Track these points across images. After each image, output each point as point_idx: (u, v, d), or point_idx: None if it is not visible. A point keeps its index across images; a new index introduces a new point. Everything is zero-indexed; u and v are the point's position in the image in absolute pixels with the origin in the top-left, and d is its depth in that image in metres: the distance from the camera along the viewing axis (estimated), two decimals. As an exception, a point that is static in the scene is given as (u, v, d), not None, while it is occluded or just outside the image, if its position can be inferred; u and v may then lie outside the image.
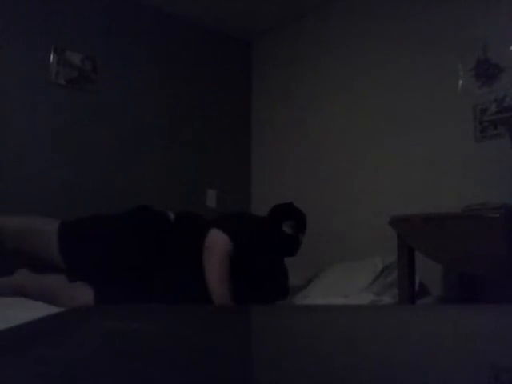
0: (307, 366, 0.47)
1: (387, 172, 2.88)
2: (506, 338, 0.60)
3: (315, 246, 3.21)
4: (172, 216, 2.20)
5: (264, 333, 0.70)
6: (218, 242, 1.98)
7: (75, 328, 0.70)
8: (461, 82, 2.58)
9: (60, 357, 0.52)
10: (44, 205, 2.77)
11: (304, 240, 2.35)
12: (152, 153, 3.28)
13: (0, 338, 0.58)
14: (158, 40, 3.41)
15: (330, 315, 0.84)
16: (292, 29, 3.63)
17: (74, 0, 3.06)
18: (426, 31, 2.75)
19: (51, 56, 2.93)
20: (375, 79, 3.01)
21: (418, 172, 2.73)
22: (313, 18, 3.46)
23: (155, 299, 1.84)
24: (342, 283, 2.45)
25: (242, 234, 2.07)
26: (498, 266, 1.82)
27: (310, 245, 3.27)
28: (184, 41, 3.55)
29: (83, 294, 1.85)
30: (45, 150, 2.86)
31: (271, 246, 2.22)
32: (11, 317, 1.24)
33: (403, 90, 2.86)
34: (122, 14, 3.25)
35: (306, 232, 2.34)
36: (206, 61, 3.65)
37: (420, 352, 0.54)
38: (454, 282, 2.52)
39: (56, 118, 2.93)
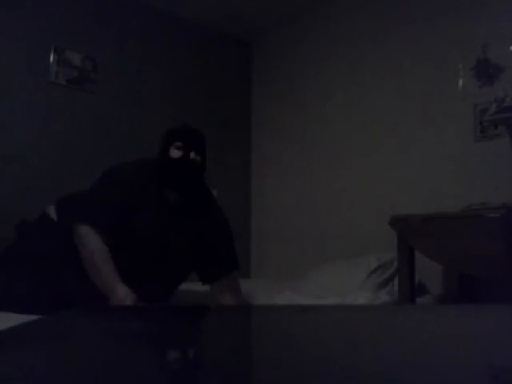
0: (307, 365, 0.47)
1: (387, 172, 2.88)
2: (506, 338, 0.60)
3: (315, 245, 3.21)
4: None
5: (264, 333, 0.69)
6: (82, 240, 1.70)
7: (74, 328, 0.70)
8: (461, 81, 2.58)
9: (60, 357, 0.52)
10: (43, 204, 2.77)
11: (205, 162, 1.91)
12: (151, 152, 3.27)
13: (2, 338, 0.58)
14: (158, 40, 3.41)
15: (330, 315, 0.84)
16: (292, 29, 3.62)
17: (74, 0, 3.06)
18: (427, 31, 2.75)
19: (51, 56, 2.92)
20: (375, 79, 3.01)
21: (418, 172, 2.73)
22: (313, 18, 3.46)
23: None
24: (336, 281, 2.46)
25: (113, 213, 1.74)
26: (498, 266, 1.82)
27: (310, 244, 3.28)
28: (184, 41, 3.55)
29: None
30: (45, 150, 2.86)
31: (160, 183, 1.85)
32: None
33: (403, 89, 2.85)
34: (122, 15, 3.25)
35: (205, 152, 1.90)
36: (206, 61, 3.65)
37: (420, 352, 0.54)
38: (453, 281, 2.52)
39: (56, 118, 2.93)
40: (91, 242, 1.70)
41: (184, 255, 1.91)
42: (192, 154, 1.87)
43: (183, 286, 2.08)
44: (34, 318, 0.91)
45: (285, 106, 3.60)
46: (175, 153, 1.87)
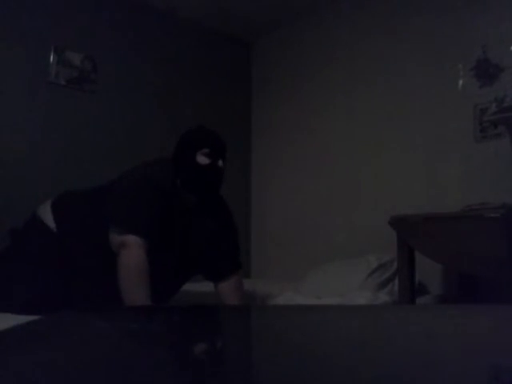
0: (307, 365, 0.47)
1: (387, 172, 2.88)
2: (506, 338, 0.60)
3: (315, 245, 3.21)
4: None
5: (264, 333, 0.69)
6: (127, 251, 1.65)
7: (74, 328, 0.70)
8: (461, 81, 2.58)
9: (60, 357, 0.52)
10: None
11: (226, 169, 1.94)
12: (152, 153, 3.27)
13: (2, 338, 0.58)
14: (157, 40, 3.41)
15: (330, 315, 0.84)
16: (292, 29, 3.62)
17: (74, 0, 3.06)
18: (426, 31, 2.75)
19: (51, 56, 2.92)
20: (375, 79, 3.01)
21: (418, 172, 2.73)
22: (313, 19, 3.46)
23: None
24: (336, 281, 2.46)
25: (148, 217, 1.72)
26: (497, 266, 1.82)
27: (310, 244, 3.28)
28: (184, 41, 3.55)
29: None
30: (45, 150, 2.86)
31: (190, 190, 1.85)
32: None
33: (403, 89, 2.85)
34: (122, 14, 3.25)
35: (226, 159, 1.94)
36: (206, 61, 3.65)
37: (420, 352, 0.54)
38: (453, 281, 2.52)
39: (56, 118, 2.93)
40: (135, 256, 1.65)
41: (195, 255, 1.91)
42: (220, 162, 1.89)
43: (187, 286, 2.09)
44: (33, 318, 0.91)
45: (285, 106, 3.60)
46: (203, 159, 1.86)
